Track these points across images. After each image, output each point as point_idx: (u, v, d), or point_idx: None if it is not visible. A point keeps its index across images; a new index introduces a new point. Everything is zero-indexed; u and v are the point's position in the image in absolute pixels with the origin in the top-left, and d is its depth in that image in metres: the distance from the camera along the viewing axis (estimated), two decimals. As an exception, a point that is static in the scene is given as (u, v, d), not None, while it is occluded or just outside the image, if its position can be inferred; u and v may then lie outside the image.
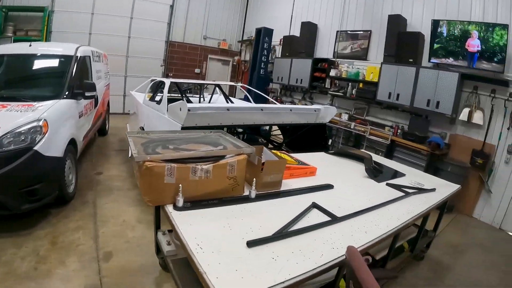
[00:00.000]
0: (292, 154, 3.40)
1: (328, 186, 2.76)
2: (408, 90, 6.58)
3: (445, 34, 6.22)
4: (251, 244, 1.75)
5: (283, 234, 1.89)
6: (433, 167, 6.11)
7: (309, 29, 9.57)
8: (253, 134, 6.47)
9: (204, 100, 7.41)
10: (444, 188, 3.53)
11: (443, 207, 3.87)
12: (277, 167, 2.53)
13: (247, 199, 2.36)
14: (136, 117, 6.44)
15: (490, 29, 5.61)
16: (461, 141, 6.32)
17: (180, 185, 2.09)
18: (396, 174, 3.73)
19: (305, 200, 2.41)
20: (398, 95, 6.78)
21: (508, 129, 5.73)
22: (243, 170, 2.36)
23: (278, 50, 11.15)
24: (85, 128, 5.28)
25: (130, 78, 10.74)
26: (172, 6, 11.44)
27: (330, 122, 7.51)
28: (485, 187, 6.00)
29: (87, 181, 5.19)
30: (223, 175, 2.28)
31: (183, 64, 12.28)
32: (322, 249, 1.81)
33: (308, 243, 1.86)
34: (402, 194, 2.90)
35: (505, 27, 5.45)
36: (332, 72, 8.43)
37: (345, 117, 7.60)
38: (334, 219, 2.16)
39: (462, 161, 6.11)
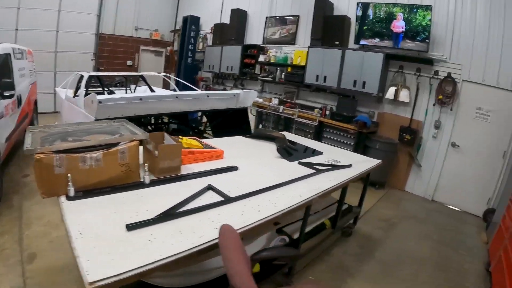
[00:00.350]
0: (206, 140, 3.33)
1: (232, 168, 2.71)
2: (335, 72, 6.75)
3: (371, 16, 6.41)
4: (130, 227, 1.71)
5: (165, 216, 1.85)
6: (362, 145, 6.31)
7: (239, 16, 9.54)
8: (180, 123, 6.29)
9: (132, 92, 7.18)
10: (363, 164, 3.60)
11: (366, 182, 3.98)
12: (172, 151, 2.47)
13: (142, 185, 2.28)
14: (61, 115, 6.15)
15: (414, 10, 5.87)
16: (388, 119, 6.60)
17: (69, 174, 2.03)
18: (312, 152, 3.75)
19: (205, 183, 2.35)
20: (325, 77, 6.94)
21: (434, 105, 6.05)
22: (135, 156, 2.29)
23: (210, 38, 11.02)
24: (8, 130, 4.97)
25: (60, 75, 10.00)
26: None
27: (260, 107, 7.57)
28: (415, 162, 6.28)
29: (13, 184, 4.97)
30: (115, 163, 2.21)
31: (114, 57, 11.78)
32: (204, 230, 1.78)
33: (191, 225, 1.81)
34: (312, 171, 2.89)
35: (428, 8, 5.74)
36: (261, 58, 8.49)
37: (275, 101, 7.65)
38: (227, 200, 2.12)
39: (391, 138, 6.38)
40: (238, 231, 1.71)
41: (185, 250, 1.57)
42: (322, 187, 2.60)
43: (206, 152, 2.82)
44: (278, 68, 8.13)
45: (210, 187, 2.27)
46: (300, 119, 6.96)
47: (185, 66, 10.35)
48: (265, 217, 1.98)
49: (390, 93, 6.30)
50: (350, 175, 3.04)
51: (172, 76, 8.00)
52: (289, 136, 4.58)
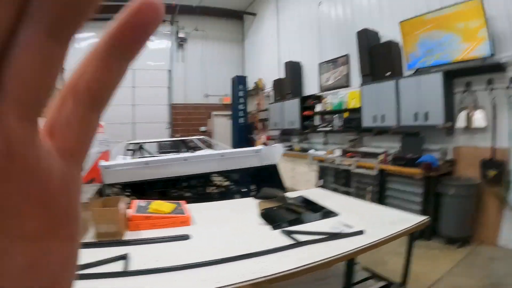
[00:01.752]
0: (193, 204, 3.10)
1: (182, 237, 2.43)
2: (391, 108, 5.91)
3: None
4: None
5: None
6: (433, 193, 5.10)
7: (293, 68, 9.59)
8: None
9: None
10: (394, 226, 2.82)
11: (410, 250, 3.14)
12: (107, 216, 2.46)
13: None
14: None
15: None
16: (466, 152, 5.42)
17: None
18: (321, 215, 3.08)
19: (135, 251, 2.17)
20: (382, 116, 6.13)
21: (520, 123, 4.82)
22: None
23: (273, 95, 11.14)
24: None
25: (138, 144, 11.25)
26: (170, 71, 12.56)
27: (320, 160, 7.04)
28: (507, 205, 4.91)
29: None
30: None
31: (188, 124, 12.89)
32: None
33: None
34: (290, 243, 2.29)
35: None
36: (318, 107, 8.19)
37: (337, 152, 7.04)
38: (123, 273, 1.85)
39: (471, 178, 5.17)
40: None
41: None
42: (270, 270, 1.83)
43: (169, 218, 2.75)
44: (335, 116, 7.70)
45: (122, 257, 2.04)
46: (357, 170, 6.16)
47: (238, 127, 10.75)
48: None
49: (461, 119, 5.25)
50: (349, 247, 2.35)
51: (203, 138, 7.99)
52: (314, 194, 3.93)
